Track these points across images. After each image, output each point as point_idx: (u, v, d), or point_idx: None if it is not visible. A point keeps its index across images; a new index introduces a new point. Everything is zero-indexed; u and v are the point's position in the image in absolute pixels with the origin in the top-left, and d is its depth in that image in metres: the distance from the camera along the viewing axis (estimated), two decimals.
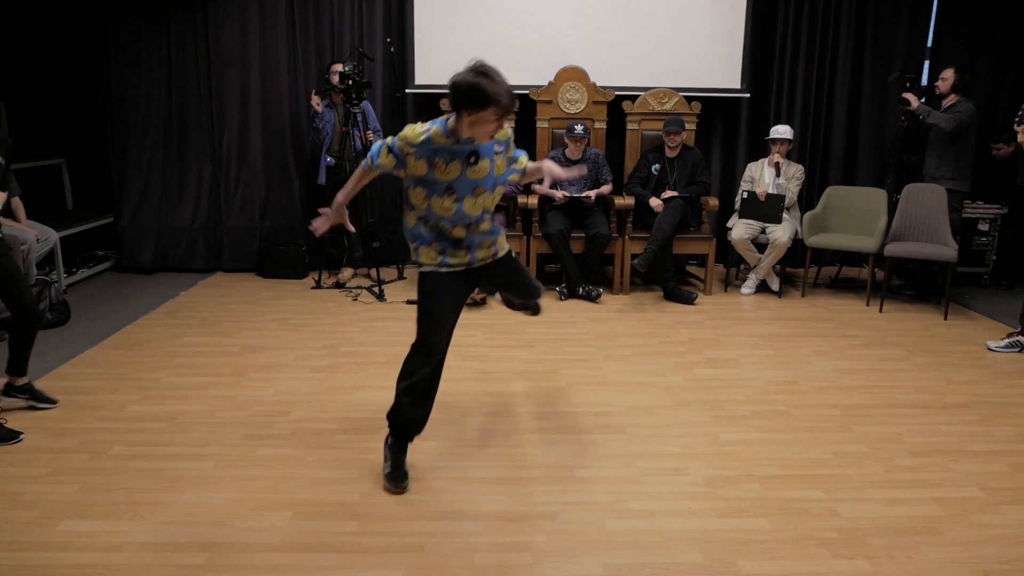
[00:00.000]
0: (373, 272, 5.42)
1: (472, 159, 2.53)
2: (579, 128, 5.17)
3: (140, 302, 5.00)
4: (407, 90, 5.78)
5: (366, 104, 5.32)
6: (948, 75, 5.05)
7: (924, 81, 5.93)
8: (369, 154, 2.60)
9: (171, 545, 2.36)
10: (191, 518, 2.50)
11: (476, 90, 2.40)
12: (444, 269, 2.64)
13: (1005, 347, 4.25)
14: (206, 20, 5.54)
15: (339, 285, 5.43)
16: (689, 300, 5.12)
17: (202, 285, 5.49)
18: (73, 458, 2.89)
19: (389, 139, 2.55)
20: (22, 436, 3.03)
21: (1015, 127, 3.86)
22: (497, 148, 2.62)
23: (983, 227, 5.57)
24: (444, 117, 2.56)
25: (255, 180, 5.77)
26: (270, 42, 5.62)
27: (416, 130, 2.51)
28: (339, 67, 5.08)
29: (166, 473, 2.79)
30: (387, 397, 3.50)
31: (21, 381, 3.32)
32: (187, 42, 5.57)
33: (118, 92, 5.57)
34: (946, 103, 5.07)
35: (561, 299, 5.17)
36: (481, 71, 2.44)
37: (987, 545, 2.41)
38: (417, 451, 2.98)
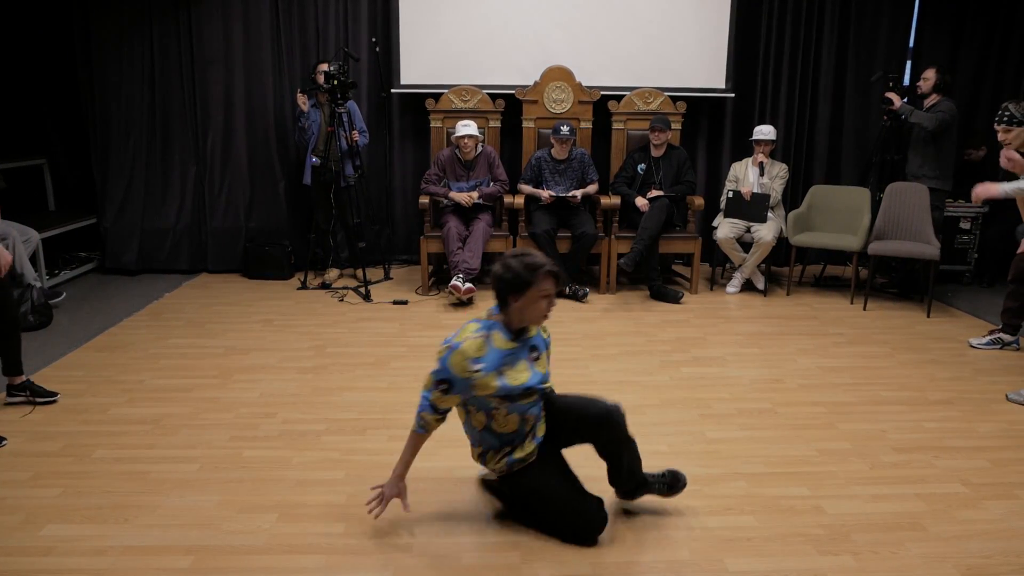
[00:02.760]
0: (359, 272, 5.40)
1: (534, 354, 2.39)
2: (565, 129, 5.17)
3: (124, 304, 4.95)
4: (392, 90, 5.77)
5: (352, 104, 5.30)
6: (930, 75, 5.10)
7: (906, 81, 5.98)
8: (417, 413, 2.37)
9: (156, 548, 2.34)
10: (176, 521, 2.49)
11: (519, 270, 2.25)
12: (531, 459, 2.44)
13: (987, 344, 4.29)
14: (189, 19, 5.49)
15: (325, 286, 5.41)
16: (675, 299, 5.14)
17: (187, 286, 5.45)
18: (56, 462, 2.87)
19: (429, 382, 2.32)
20: (5, 441, 3.00)
21: (995, 126, 3.89)
22: (541, 343, 2.46)
23: (965, 225, 5.62)
24: (487, 319, 2.36)
25: (240, 180, 5.73)
26: (254, 42, 5.59)
27: (472, 343, 2.26)
28: (325, 67, 5.06)
29: (150, 476, 2.77)
30: (374, 397, 3.50)
31: (18, 380, 3.33)
32: (170, 42, 5.53)
33: (100, 92, 5.52)
34: (928, 103, 5.12)
35: None
36: (513, 255, 2.30)
37: (970, 540, 2.44)
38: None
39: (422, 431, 2.40)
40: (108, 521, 2.48)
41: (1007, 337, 4.28)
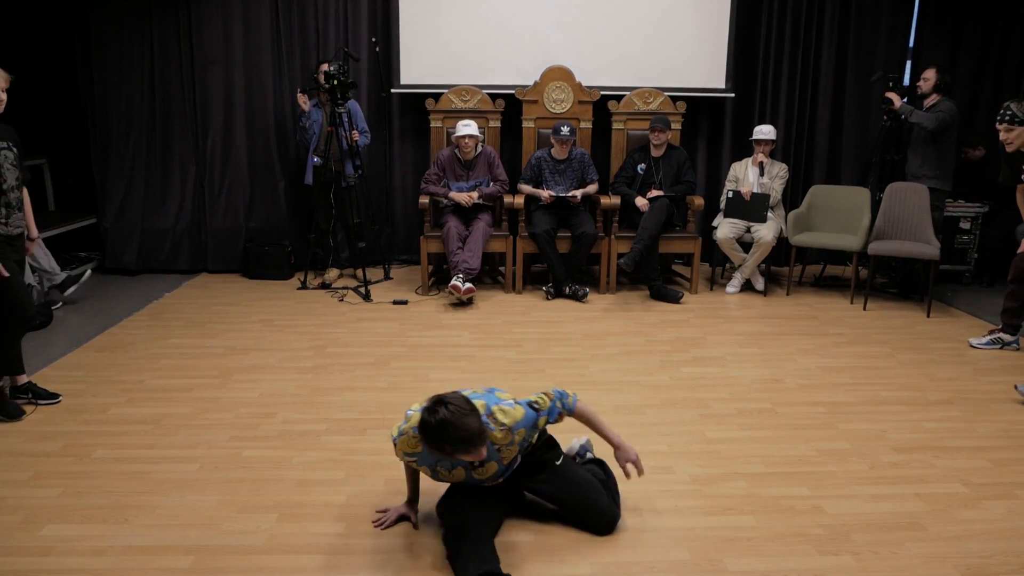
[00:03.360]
0: (359, 272, 5.40)
1: (477, 464, 2.29)
2: (565, 130, 5.17)
3: (123, 304, 4.95)
4: (392, 90, 5.77)
5: (354, 104, 5.32)
6: (930, 75, 5.10)
7: (906, 81, 5.98)
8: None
9: (156, 548, 2.34)
10: (176, 521, 2.49)
11: (440, 438, 2.08)
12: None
13: (987, 344, 4.29)
14: (189, 20, 5.49)
15: (325, 286, 5.41)
16: (675, 299, 5.14)
17: (187, 286, 5.45)
18: (56, 462, 2.87)
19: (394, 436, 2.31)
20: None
21: (997, 125, 3.89)
22: (506, 444, 2.29)
23: (965, 225, 5.62)
24: None
25: (240, 180, 5.73)
26: (254, 42, 5.59)
27: (404, 440, 2.26)
28: (327, 66, 5.06)
29: (150, 476, 2.77)
30: (373, 397, 3.50)
31: (22, 380, 3.35)
32: (170, 42, 5.53)
33: (100, 92, 5.52)
34: (928, 103, 5.12)
35: (548, 298, 5.18)
36: (452, 414, 2.05)
37: (970, 540, 2.44)
38: None
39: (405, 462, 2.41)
40: (108, 521, 2.48)
41: (1007, 337, 4.28)
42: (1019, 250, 4.11)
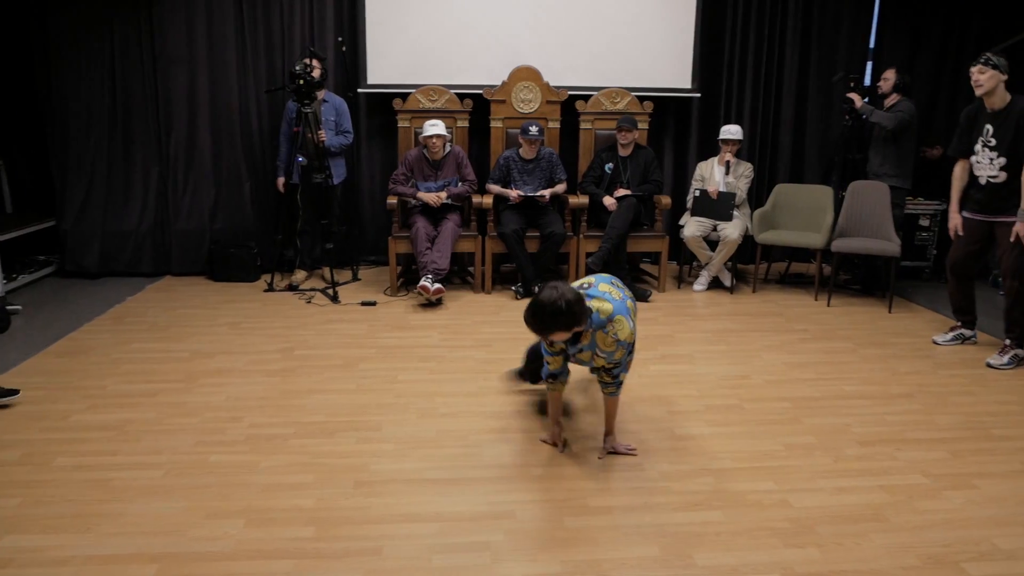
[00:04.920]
0: (327, 274, 5.35)
1: (573, 350, 2.79)
2: (534, 129, 5.18)
3: (85, 308, 4.85)
4: (360, 90, 5.73)
5: (341, 104, 5.34)
6: (890, 75, 5.21)
7: (867, 81, 6.10)
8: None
9: (119, 557, 2.29)
10: (140, 529, 2.44)
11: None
12: None
13: (950, 340, 4.39)
14: (151, 17, 5.39)
15: (292, 288, 5.36)
16: (643, 297, 5.18)
17: (150, 289, 5.36)
18: (14, 471, 2.80)
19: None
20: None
21: (971, 69, 3.91)
22: (599, 353, 2.74)
23: (924, 223, 5.75)
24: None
25: (204, 181, 5.64)
26: (218, 41, 5.51)
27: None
28: (316, 65, 5.03)
29: (113, 483, 2.72)
30: (342, 400, 3.48)
31: None
32: (131, 40, 5.42)
33: (58, 91, 5.40)
34: (888, 102, 5.23)
35: (517, 298, 5.18)
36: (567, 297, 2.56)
37: (931, 530, 2.49)
38: (372, 454, 2.96)
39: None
40: (69, 530, 2.43)
41: (967, 332, 4.39)
42: (952, 251, 4.23)
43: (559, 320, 2.51)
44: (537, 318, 2.53)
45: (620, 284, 2.86)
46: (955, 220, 4.19)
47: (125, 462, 2.88)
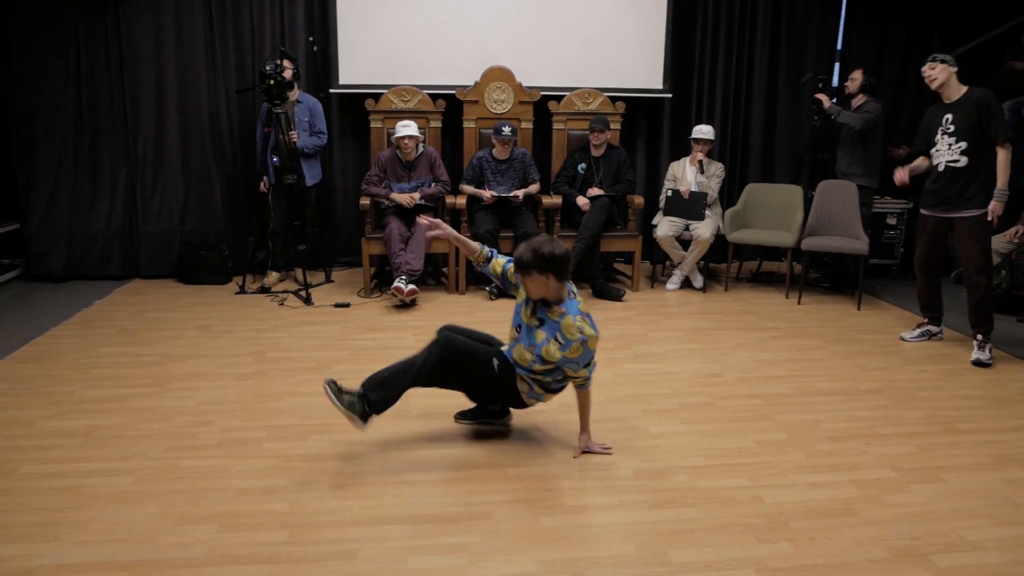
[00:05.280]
0: (300, 275, 5.30)
1: (529, 311, 2.90)
2: (507, 130, 5.19)
3: (51, 312, 4.76)
4: (331, 90, 5.69)
5: (316, 104, 5.29)
6: (857, 76, 5.29)
7: (835, 82, 6.19)
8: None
9: (89, 566, 2.26)
10: (110, 536, 2.40)
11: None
12: None
13: (917, 337, 4.47)
14: (117, 17, 5.31)
15: (264, 290, 5.30)
16: (617, 297, 5.21)
17: (118, 293, 5.27)
18: None
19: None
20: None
21: (922, 69, 4.09)
22: (559, 338, 2.79)
23: (891, 221, 5.85)
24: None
25: (174, 183, 5.57)
26: (187, 41, 5.44)
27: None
28: (288, 64, 4.99)
29: (82, 490, 2.67)
30: (316, 402, 3.45)
31: None
32: (97, 40, 5.33)
33: (22, 91, 5.28)
34: (855, 103, 5.31)
35: (491, 299, 5.18)
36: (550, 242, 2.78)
37: (900, 523, 2.54)
38: (346, 456, 2.94)
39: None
40: (37, 539, 2.38)
41: (934, 329, 4.48)
42: (917, 249, 4.31)
43: (548, 262, 2.69)
44: (532, 250, 2.70)
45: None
46: (901, 173, 4.32)
47: (94, 469, 2.83)
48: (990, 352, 4.11)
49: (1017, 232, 4.84)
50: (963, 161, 4.02)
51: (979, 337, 4.12)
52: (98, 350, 4.10)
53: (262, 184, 5.27)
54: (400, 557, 2.32)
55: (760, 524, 2.52)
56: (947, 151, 4.07)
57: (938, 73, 4.02)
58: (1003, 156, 3.93)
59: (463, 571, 2.25)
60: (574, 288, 2.90)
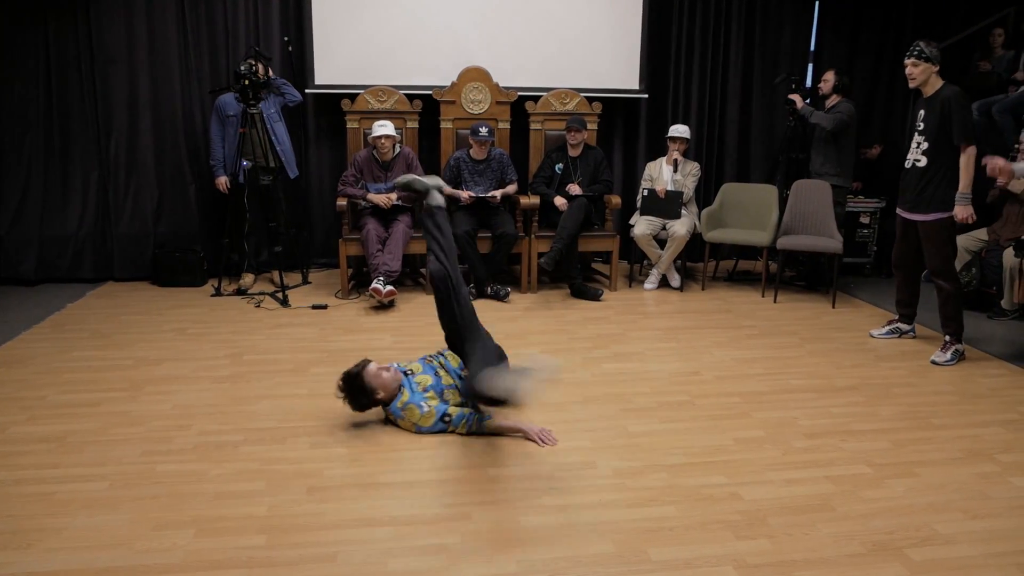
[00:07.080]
0: (276, 277, 5.26)
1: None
2: (484, 130, 5.18)
3: (21, 316, 4.68)
4: (307, 90, 5.65)
5: (277, 79, 5.24)
6: (829, 77, 5.36)
7: (809, 83, 6.27)
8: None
9: (63, 573, 2.22)
10: (84, 543, 2.36)
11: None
12: None
13: (886, 334, 4.53)
14: (88, 17, 5.23)
15: (240, 292, 5.25)
16: (595, 297, 5.23)
17: (91, 296, 5.20)
18: None
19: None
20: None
21: (905, 60, 3.98)
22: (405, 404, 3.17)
23: (864, 220, 5.93)
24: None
25: (147, 184, 5.50)
26: (159, 41, 5.37)
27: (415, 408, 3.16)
28: (261, 67, 4.95)
29: (55, 497, 2.63)
30: (293, 405, 3.42)
31: None
32: (67, 40, 5.25)
33: None
34: (829, 103, 5.38)
35: (470, 299, 5.17)
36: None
37: (875, 518, 2.57)
38: (324, 459, 2.92)
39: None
40: (8, 547, 2.34)
41: (904, 326, 4.52)
42: (894, 248, 4.37)
43: (347, 386, 3.11)
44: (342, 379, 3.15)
45: (441, 366, 3.35)
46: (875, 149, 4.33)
47: (67, 474, 2.78)
48: (951, 355, 4.08)
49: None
50: (923, 161, 4.00)
51: (947, 338, 4.15)
52: (71, 354, 4.04)
53: (223, 183, 5.21)
54: (380, 559, 2.31)
55: (738, 521, 2.54)
56: (915, 149, 4.06)
57: (919, 73, 3.92)
58: (964, 158, 3.84)
59: (443, 572, 2.25)
60: (410, 381, 3.23)
